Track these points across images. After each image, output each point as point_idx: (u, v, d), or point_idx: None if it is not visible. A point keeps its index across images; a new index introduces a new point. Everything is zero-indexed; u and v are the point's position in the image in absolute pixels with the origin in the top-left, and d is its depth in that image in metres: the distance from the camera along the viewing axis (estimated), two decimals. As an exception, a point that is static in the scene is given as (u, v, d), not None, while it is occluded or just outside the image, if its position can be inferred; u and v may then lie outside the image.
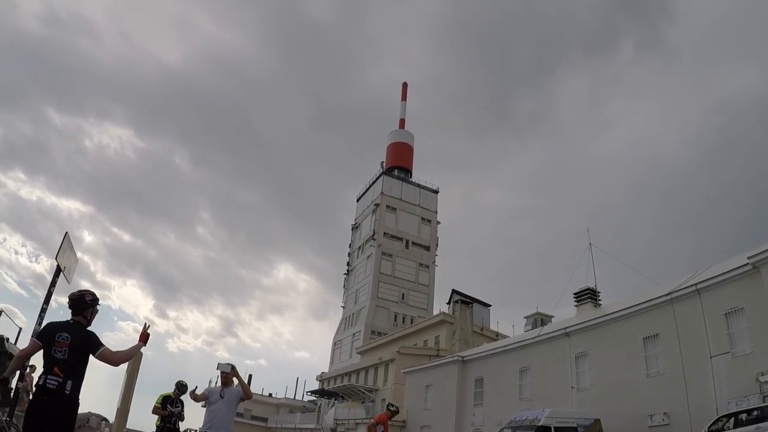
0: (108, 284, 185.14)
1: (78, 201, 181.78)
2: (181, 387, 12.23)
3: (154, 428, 12.03)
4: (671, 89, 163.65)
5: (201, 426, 7.17)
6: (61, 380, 5.10)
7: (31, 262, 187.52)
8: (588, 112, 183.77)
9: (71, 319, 5.50)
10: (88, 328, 5.56)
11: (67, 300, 5.56)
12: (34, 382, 5.24)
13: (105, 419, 23.61)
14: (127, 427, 17.13)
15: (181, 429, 12.33)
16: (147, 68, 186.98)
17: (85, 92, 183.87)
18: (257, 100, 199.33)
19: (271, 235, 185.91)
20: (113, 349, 5.46)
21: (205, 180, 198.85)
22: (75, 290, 5.68)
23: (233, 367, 8.38)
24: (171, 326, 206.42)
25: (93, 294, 5.69)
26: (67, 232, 10.06)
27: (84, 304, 5.56)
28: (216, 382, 9.19)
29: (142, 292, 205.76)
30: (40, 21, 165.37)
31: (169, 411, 11.83)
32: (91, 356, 5.36)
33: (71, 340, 5.27)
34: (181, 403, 12.20)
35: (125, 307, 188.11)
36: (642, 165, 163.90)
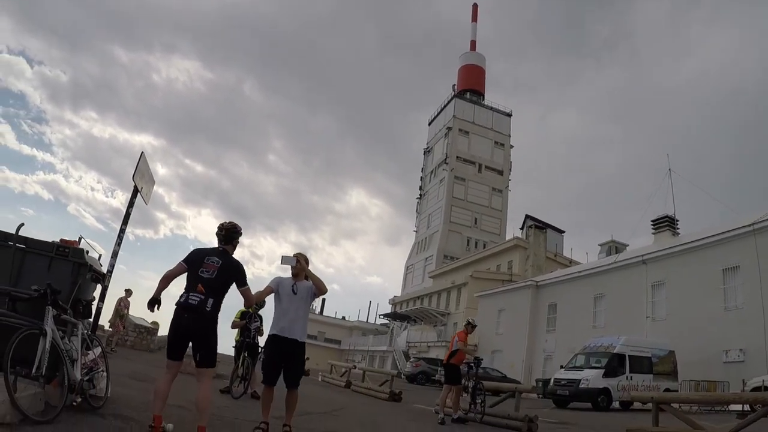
0: (183, 215, 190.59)
1: (150, 135, 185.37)
2: (260, 303, 11.82)
3: (234, 343, 12.04)
4: (752, 15, 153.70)
5: (270, 328, 6.86)
6: (202, 297, 5.35)
7: (107, 197, 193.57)
8: (666, 36, 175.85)
9: (220, 247, 5.81)
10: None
11: (218, 229, 5.88)
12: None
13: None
14: None
15: (260, 344, 12.16)
16: (211, 1, 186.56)
17: (149, 28, 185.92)
18: (324, 27, 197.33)
19: (343, 161, 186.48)
20: None
21: (275, 108, 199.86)
22: (225, 221, 5.98)
23: (301, 259, 6.76)
24: (246, 253, 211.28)
25: (240, 227, 6.03)
26: (142, 152, 9.94)
27: (235, 233, 5.92)
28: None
29: (217, 221, 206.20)
30: None
31: (245, 322, 11.73)
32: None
33: (221, 264, 5.59)
34: (260, 317, 12.12)
35: (201, 236, 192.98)
36: (719, 94, 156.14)
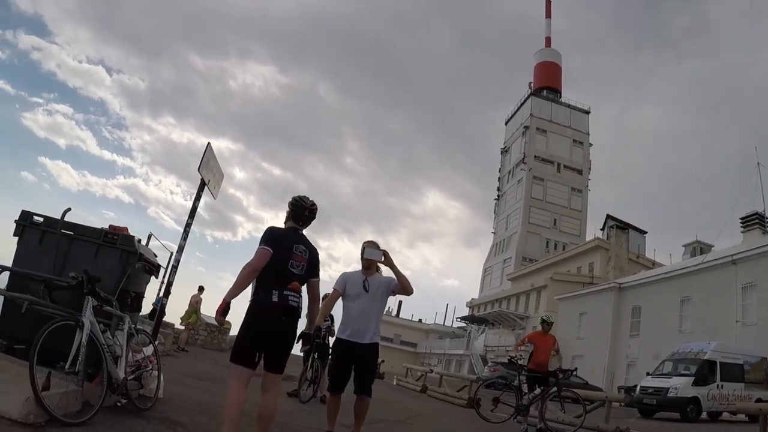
0: (261, 217, 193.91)
1: (227, 140, 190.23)
2: (326, 314, 11.63)
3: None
4: None
5: (338, 330, 6.13)
6: (299, 298, 4.70)
7: (185, 200, 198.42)
8: (748, 26, 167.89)
9: (300, 230, 5.00)
10: None
11: (298, 206, 4.98)
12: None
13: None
14: None
15: (331, 344, 11.71)
16: (284, 4, 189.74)
17: (225, 35, 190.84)
18: (397, 28, 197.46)
19: (419, 162, 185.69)
20: None
21: (351, 110, 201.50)
22: (305, 196, 5.09)
23: (387, 255, 5.89)
24: (323, 255, 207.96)
25: None
26: (209, 143, 9.67)
27: (314, 215, 5.11)
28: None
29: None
30: None
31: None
32: None
33: (309, 255, 4.85)
34: (331, 317, 11.19)
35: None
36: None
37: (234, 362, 4.49)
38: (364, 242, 6.05)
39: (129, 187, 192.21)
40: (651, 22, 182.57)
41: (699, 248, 40.64)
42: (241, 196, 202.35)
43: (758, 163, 32.92)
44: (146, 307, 11.67)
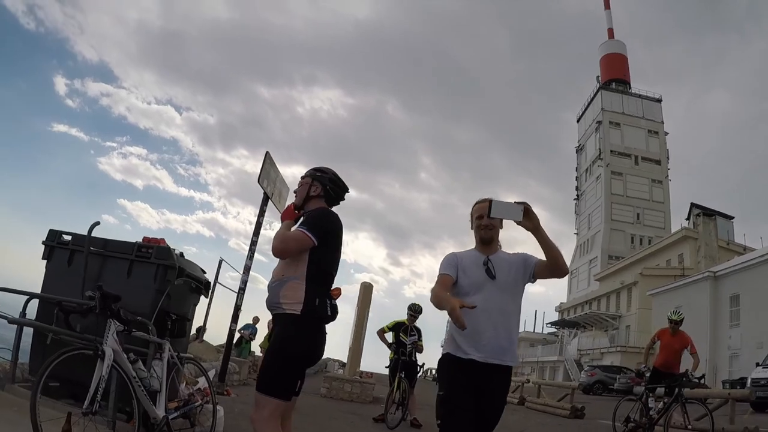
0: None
1: (301, 165, 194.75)
2: (415, 309, 10.71)
3: (388, 362, 10.76)
4: None
5: (444, 340, 4.04)
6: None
7: (265, 229, 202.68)
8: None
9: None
10: None
11: (335, 185, 4.12)
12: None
13: (344, 363, 24.18)
14: (360, 368, 16.85)
15: (419, 362, 10.83)
16: (340, 27, 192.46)
17: (288, 63, 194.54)
18: (455, 37, 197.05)
19: (493, 170, 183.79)
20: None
21: (420, 125, 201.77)
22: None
23: (529, 210, 3.44)
24: (405, 273, 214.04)
25: None
26: (267, 152, 9.25)
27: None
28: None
29: (374, 243, 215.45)
30: (227, 5, 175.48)
31: (390, 345, 10.50)
32: None
33: None
34: (418, 330, 10.71)
35: (360, 259, 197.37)
36: None
37: (272, 395, 3.46)
38: (479, 201, 3.87)
39: (208, 221, 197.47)
40: (710, 4, 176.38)
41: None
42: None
43: None
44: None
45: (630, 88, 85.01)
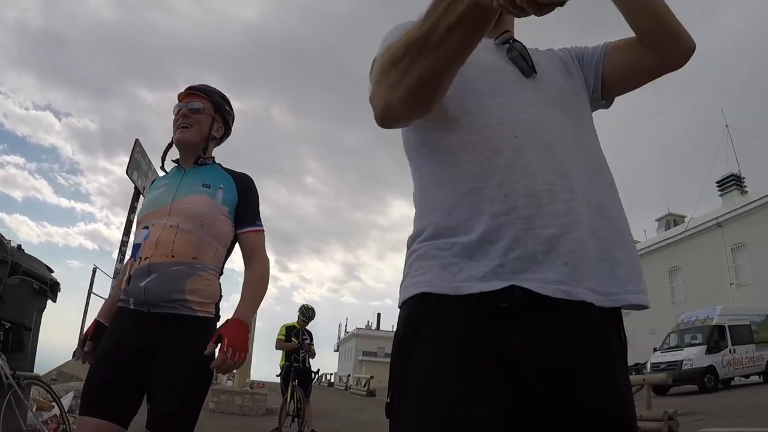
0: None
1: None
2: (306, 312, 9.80)
3: (278, 371, 9.69)
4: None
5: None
6: None
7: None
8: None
9: None
10: None
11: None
12: None
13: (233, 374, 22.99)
14: (251, 378, 15.94)
15: (313, 367, 9.90)
16: (227, 29, 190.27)
17: (174, 67, 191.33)
18: (346, 38, 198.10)
19: (380, 173, 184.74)
20: None
21: (307, 129, 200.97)
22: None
23: None
24: (295, 279, 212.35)
25: None
26: (137, 140, 8.53)
27: None
28: None
29: None
30: (112, 8, 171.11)
31: (295, 343, 9.39)
32: None
33: None
34: (309, 334, 9.79)
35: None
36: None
37: None
38: None
39: (91, 233, 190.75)
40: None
41: (672, 220, 39.96)
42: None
43: (726, 126, 32.93)
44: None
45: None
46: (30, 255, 4.96)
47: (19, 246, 4.79)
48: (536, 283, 1.19)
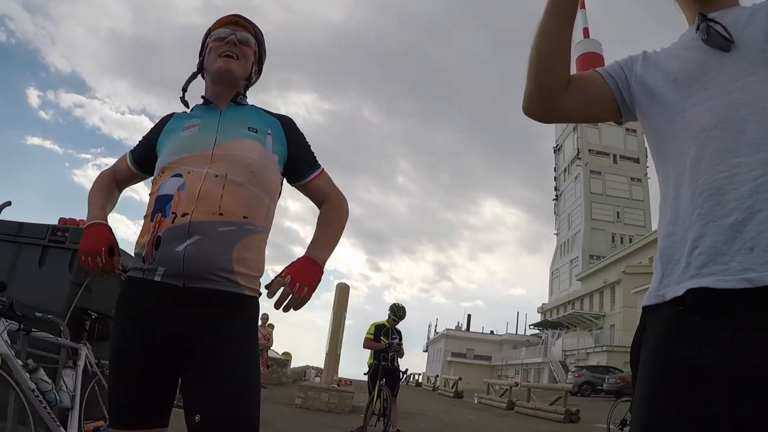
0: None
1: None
2: (397, 311, 9.65)
3: (366, 369, 9.68)
4: None
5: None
6: None
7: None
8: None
9: None
10: None
11: None
12: None
13: (321, 370, 23.19)
14: (339, 376, 16.08)
15: (401, 367, 9.75)
16: (315, 30, 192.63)
17: (264, 69, 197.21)
18: (429, 38, 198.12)
19: (472, 173, 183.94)
20: None
21: (397, 128, 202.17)
22: None
23: None
24: (386, 278, 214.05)
25: None
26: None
27: None
28: None
29: (354, 250, 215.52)
30: (199, 13, 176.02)
31: (384, 343, 9.30)
32: None
33: None
34: (399, 333, 9.66)
35: (339, 266, 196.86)
36: None
37: None
38: None
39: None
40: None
41: None
42: (298, 228, 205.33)
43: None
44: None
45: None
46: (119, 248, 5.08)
47: None
48: (715, 277, 1.17)
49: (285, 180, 2.35)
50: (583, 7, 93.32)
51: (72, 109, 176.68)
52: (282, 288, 1.92)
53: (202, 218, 1.91)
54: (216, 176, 1.99)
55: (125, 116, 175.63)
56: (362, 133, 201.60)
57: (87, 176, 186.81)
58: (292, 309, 1.96)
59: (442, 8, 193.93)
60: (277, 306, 1.92)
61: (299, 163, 2.33)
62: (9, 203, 4.32)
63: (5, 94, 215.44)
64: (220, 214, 1.94)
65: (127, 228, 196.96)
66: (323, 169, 2.43)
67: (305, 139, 2.41)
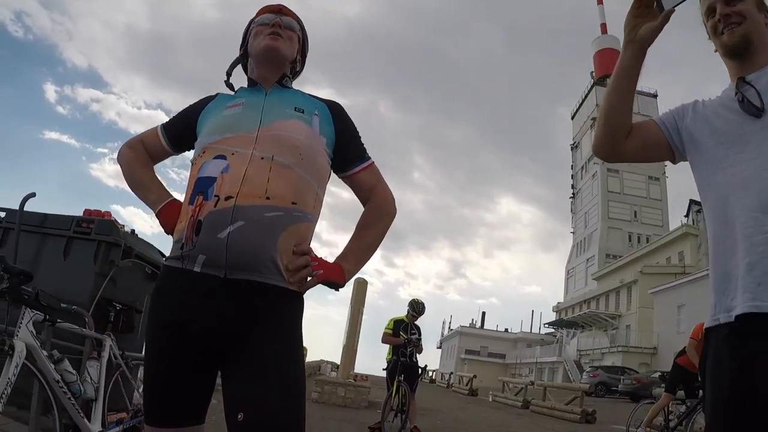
0: (335, 242, 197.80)
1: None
2: (417, 307, 9.52)
3: (384, 364, 9.64)
4: None
5: None
6: None
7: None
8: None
9: None
10: None
11: None
12: None
13: (337, 365, 23.23)
14: (355, 371, 16.08)
15: (420, 363, 9.62)
16: (330, 26, 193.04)
17: None
18: (446, 34, 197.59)
19: (488, 169, 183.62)
20: None
21: (413, 124, 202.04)
22: None
23: None
24: (400, 274, 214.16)
25: None
26: None
27: None
28: None
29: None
30: (216, 8, 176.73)
31: (403, 338, 9.19)
32: None
33: None
34: (418, 329, 9.57)
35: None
36: None
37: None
38: None
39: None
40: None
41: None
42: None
43: None
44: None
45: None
46: (143, 240, 5.08)
47: (133, 231, 4.90)
48: (738, 304, 1.57)
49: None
50: (601, 3, 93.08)
51: (89, 104, 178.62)
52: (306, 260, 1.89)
53: (247, 202, 1.79)
54: (262, 158, 1.88)
55: (141, 111, 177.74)
56: (378, 129, 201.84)
57: (104, 170, 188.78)
58: (296, 284, 1.89)
59: (457, 4, 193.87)
60: (291, 276, 1.86)
61: (347, 151, 2.20)
62: (33, 194, 4.34)
63: (23, 89, 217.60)
64: (267, 198, 1.82)
65: (143, 222, 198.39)
66: (373, 162, 2.30)
67: (354, 126, 2.26)
